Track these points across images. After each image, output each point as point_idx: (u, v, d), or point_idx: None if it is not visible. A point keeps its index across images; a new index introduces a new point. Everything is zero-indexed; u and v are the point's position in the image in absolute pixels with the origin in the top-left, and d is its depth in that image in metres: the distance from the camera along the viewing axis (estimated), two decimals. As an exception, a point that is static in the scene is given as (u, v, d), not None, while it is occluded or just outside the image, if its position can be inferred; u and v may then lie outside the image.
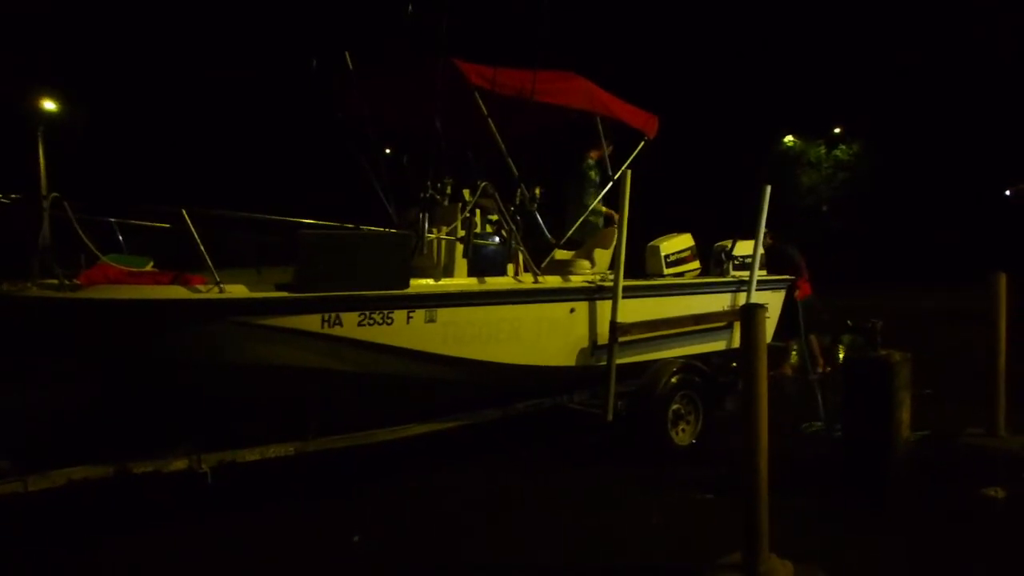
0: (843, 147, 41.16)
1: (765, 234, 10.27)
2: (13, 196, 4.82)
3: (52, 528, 5.44)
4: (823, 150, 41.64)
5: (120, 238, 5.73)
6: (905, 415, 6.17)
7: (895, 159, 37.45)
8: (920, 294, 24.46)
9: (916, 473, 6.26)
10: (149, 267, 5.51)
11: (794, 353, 11.05)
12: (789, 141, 41.99)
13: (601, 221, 8.56)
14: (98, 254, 4.99)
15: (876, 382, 6.13)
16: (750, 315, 4.58)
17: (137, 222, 5.83)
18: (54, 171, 5.09)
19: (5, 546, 5.17)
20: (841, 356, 11.74)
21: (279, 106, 23.44)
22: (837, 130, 41.10)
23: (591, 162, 8.45)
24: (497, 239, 6.91)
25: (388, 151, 8.20)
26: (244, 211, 5.71)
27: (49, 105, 20.95)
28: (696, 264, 8.96)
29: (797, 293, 10.23)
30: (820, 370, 10.63)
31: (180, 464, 5.52)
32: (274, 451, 5.92)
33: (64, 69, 24.59)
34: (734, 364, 8.66)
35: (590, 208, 8.03)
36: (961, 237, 34.18)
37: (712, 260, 9.12)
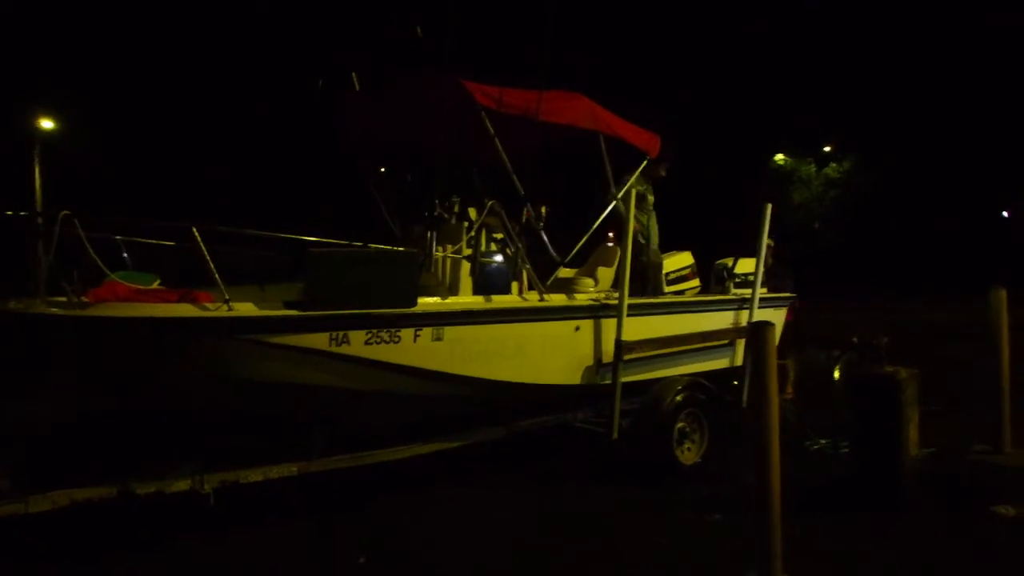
0: (834, 165, 41.45)
1: (769, 248, 10.35)
2: (23, 212, 4.78)
3: (52, 545, 5.37)
4: (813, 168, 41.94)
5: (125, 255, 5.71)
6: (913, 432, 6.16)
7: (889, 177, 37.70)
8: (914, 308, 24.52)
9: (925, 491, 6.24)
10: (156, 284, 5.49)
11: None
12: (780, 159, 42.28)
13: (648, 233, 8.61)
14: (107, 271, 4.96)
15: (884, 399, 6.13)
16: (760, 333, 4.51)
17: (142, 240, 5.81)
18: (61, 188, 5.08)
19: (7, 563, 5.12)
20: (836, 374, 11.71)
21: (286, 122, 23.47)
22: (827, 148, 41.40)
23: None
24: (499, 257, 6.89)
25: (383, 169, 8.18)
26: (247, 226, 5.69)
27: (47, 124, 20.87)
28: (696, 282, 8.99)
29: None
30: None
31: (183, 485, 5.45)
32: (277, 472, 5.85)
33: (65, 87, 24.58)
34: (735, 382, 8.65)
35: (596, 222, 7.92)
36: (958, 252, 34.40)
37: (713, 278, 9.13)
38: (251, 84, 27.28)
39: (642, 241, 8.48)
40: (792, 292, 10.52)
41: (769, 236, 10.61)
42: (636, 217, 8.37)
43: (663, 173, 8.89)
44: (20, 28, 25.05)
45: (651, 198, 8.71)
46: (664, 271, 8.58)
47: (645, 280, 8.46)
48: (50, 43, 26.88)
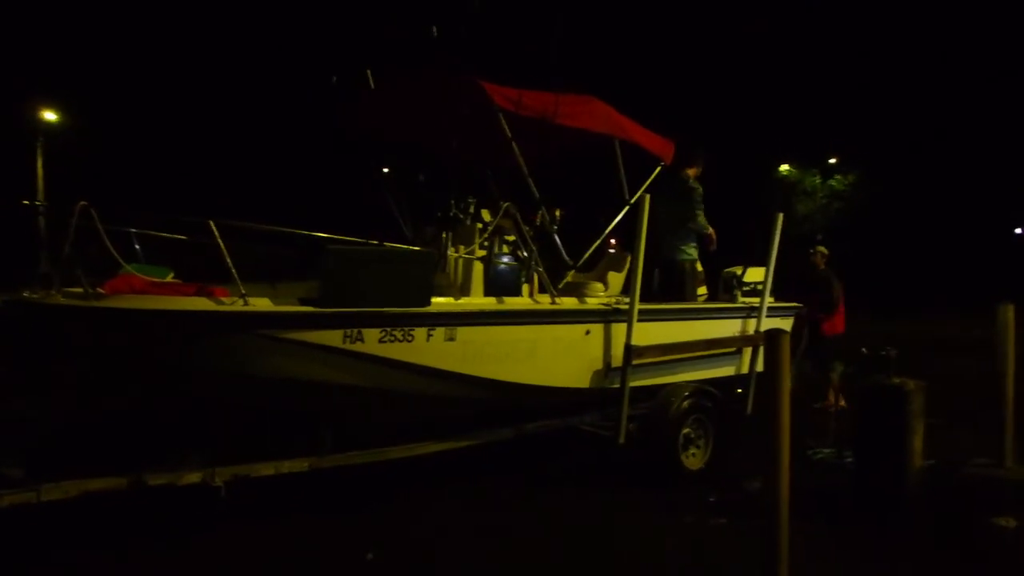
0: (839, 177, 41.36)
1: (823, 255, 10.53)
2: (39, 203, 4.81)
3: (64, 538, 5.39)
4: (818, 179, 41.87)
5: (137, 247, 5.70)
6: (918, 443, 6.21)
7: (895, 189, 37.65)
8: (919, 321, 24.48)
9: (927, 502, 6.28)
10: (169, 278, 5.50)
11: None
12: (784, 169, 42.21)
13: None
14: (122, 262, 4.97)
15: (890, 409, 6.17)
16: (774, 341, 4.45)
17: (155, 233, 5.82)
18: (60, 181, 5.09)
19: (17, 554, 5.14)
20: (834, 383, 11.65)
21: (292, 121, 23.49)
22: (833, 160, 41.33)
23: (692, 178, 8.52)
24: (506, 259, 6.88)
25: (386, 169, 8.17)
26: (247, 221, 5.67)
27: (49, 115, 20.81)
28: (703, 289, 9.00)
29: (828, 326, 10.50)
30: (838, 405, 10.68)
31: (194, 477, 5.48)
32: (288, 467, 5.88)
33: (71, 79, 24.62)
34: (739, 390, 8.67)
35: (609, 227, 7.92)
36: (965, 266, 34.38)
37: (721, 285, 9.14)
38: (255, 82, 27.30)
39: (688, 255, 8.58)
40: (839, 300, 10.66)
41: (821, 244, 10.88)
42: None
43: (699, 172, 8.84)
44: (27, 21, 25.13)
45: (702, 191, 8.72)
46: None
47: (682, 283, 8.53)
48: (55, 36, 26.95)
